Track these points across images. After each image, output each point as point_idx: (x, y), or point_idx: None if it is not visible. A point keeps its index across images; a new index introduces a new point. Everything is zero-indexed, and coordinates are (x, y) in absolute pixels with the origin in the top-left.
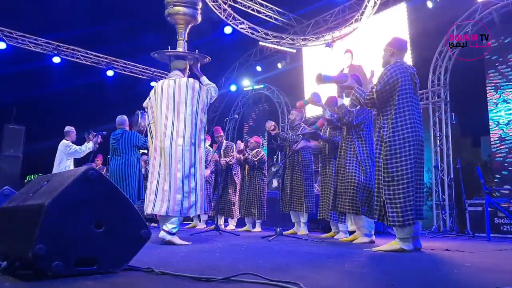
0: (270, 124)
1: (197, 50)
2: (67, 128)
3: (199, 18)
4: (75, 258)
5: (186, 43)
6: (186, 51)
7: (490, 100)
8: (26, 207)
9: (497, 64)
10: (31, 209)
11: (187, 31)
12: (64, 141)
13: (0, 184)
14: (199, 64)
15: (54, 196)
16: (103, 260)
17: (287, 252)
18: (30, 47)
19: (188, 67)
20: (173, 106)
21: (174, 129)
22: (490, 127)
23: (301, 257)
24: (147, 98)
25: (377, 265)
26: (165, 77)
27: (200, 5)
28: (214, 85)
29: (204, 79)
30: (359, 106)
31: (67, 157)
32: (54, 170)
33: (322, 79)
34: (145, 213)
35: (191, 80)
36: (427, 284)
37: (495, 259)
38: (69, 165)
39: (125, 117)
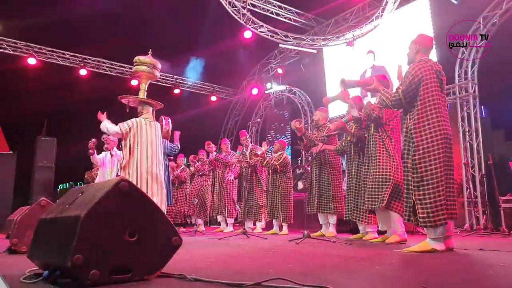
0: (297, 122)
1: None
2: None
3: (158, 75)
4: (110, 266)
5: (146, 92)
6: (147, 98)
7: None
8: (63, 218)
9: None
10: (68, 221)
11: (147, 84)
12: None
13: (35, 194)
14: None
15: (88, 208)
16: (137, 268)
17: (316, 255)
18: (58, 61)
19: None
20: (155, 141)
21: (156, 158)
22: None
23: (330, 260)
24: (127, 125)
25: (409, 267)
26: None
27: (159, 66)
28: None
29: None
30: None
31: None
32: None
33: (346, 84)
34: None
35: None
36: (460, 286)
37: None
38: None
39: None
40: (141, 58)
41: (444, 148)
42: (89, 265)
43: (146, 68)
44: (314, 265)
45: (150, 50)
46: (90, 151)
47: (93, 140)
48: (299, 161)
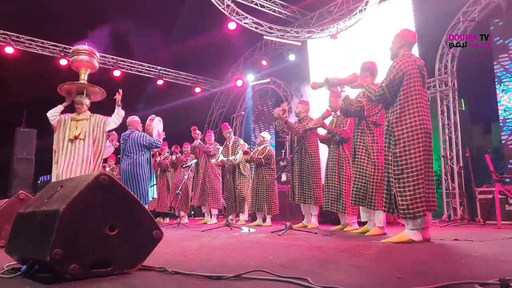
0: (280, 109)
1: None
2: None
3: (97, 65)
4: (90, 260)
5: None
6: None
7: (499, 85)
8: (42, 212)
9: (506, 48)
10: (47, 215)
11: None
12: None
13: (14, 187)
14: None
15: (68, 202)
16: (117, 261)
17: (297, 247)
18: (37, 50)
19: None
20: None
21: None
22: (499, 112)
23: (310, 252)
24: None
25: (386, 258)
26: (167, 77)
27: (97, 54)
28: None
29: None
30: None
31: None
32: None
33: (329, 82)
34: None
35: None
36: (434, 276)
37: (504, 248)
38: None
39: (135, 117)
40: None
41: (424, 142)
42: (68, 259)
43: (87, 57)
44: (294, 257)
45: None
46: None
47: None
48: (283, 153)
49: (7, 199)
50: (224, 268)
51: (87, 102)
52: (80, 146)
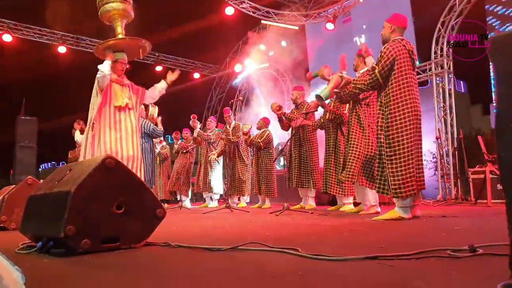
0: (276, 105)
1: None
2: None
3: (132, 13)
4: (100, 236)
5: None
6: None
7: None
8: (54, 194)
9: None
10: (59, 196)
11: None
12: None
13: (17, 174)
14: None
15: (78, 183)
16: (124, 237)
17: (292, 224)
18: (35, 38)
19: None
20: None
21: None
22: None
23: (304, 228)
24: None
25: (374, 233)
26: (166, 63)
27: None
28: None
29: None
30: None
31: None
32: None
33: (321, 99)
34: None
35: None
36: (413, 246)
37: (484, 222)
38: None
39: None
40: None
41: (415, 124)
42: (80, 235)
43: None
44: (288, 232)
45: None
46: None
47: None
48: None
49: (14, 185)
50: (222, 242)
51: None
52: (127, 117)
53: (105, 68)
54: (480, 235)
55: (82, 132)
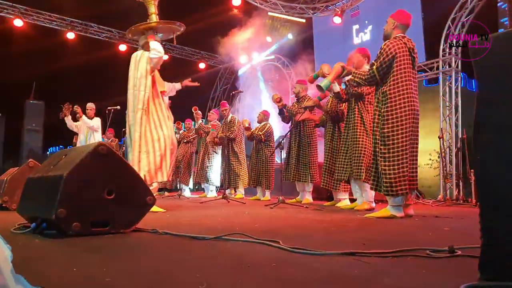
0: (276, 96)
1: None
2: None
3: None
4: (90, 220)
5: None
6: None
7: None
8: (49, 177)
9: None
10: (53, 179)
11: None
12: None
13: (24, 157)
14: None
15: (71, 168)
16: (114, 222)
17: (284, 218)
18: (45, 23)
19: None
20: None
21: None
22: None
23: (295, 222)
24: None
25: (361, 230)
26: (172, 51)
27: None
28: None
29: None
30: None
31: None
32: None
33: (323, 88)
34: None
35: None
36: (395, 244)
37: (476, 224)
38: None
39: None
40: None
41: (411, 122)
42: (71, 218)
43: None
44: (277, 225)
45: None
46: (61, 114)
47: (67, 104)
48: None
49: (17, 167)
50: (210, 232)
51: None
52: (162, 102)
53: (161, 48)
54: (466, 237)
55: (75, 119)
